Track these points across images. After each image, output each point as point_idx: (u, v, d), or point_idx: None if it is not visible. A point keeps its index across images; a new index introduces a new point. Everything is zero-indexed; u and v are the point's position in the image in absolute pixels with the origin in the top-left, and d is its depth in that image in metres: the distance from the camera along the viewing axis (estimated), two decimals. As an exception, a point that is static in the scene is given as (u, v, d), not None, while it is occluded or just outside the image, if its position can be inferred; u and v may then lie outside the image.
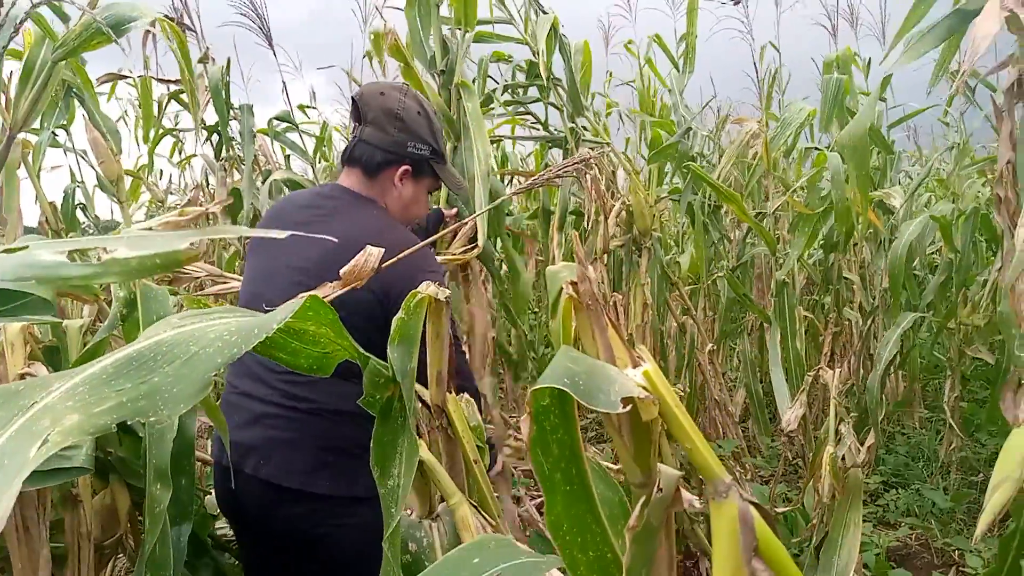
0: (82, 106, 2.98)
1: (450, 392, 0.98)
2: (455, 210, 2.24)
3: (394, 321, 0.89)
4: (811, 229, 3.37)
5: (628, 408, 0.55)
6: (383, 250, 1.13)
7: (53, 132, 3.09)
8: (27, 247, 0.56)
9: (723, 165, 3.15)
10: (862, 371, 4.48)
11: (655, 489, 0.63)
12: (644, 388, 0.57)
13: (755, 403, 4.06)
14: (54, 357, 1.33)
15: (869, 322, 4.25)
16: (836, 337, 4.36)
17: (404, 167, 1.69)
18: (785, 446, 3.65)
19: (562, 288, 0.58)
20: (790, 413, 2.23)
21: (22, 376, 1.11)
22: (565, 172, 1.11)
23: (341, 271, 1.14)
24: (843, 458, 2.26)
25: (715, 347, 3.89)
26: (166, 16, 3.05)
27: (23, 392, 0.51)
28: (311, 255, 1.55)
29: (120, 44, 1.00)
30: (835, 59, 3.50)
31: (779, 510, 2.78)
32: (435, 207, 2.29)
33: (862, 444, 2.36)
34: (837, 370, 2.30)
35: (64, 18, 2.02)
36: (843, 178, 2.89)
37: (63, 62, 1.10)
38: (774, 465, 4.08)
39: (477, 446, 1.00)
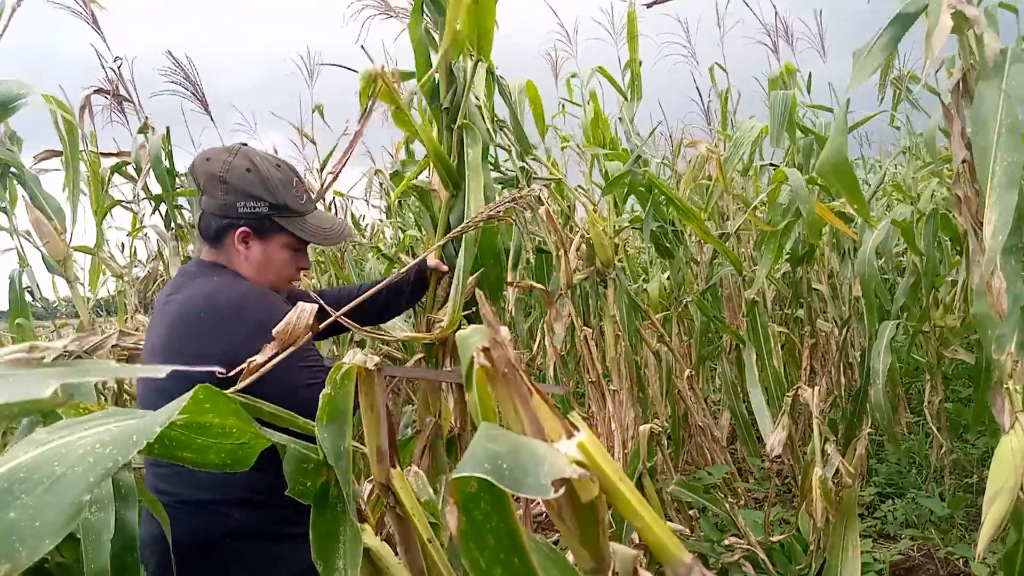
0: (22, 187, 2.89)
1: (394, 467, 0.89)
2: (445, 267, 1.98)
3: (321, 397, 0.81)
4: (776, 244, 3.34)
5: (562, 491, 0.47)
6: (315, 307, 1.08)
7: (-8, 215, 2.99)
8: None
9: (683, 190, 3.11)
10: (843, 380, 4.43)
11: (610, 574, 0.55)
12: (580, 463, 0.49)
13: (741, 425, 3.98)
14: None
15: (844, 331, 4.22)
16: (813, 350, 4.32)
17: (241, 229, 1.59)
18: (775, 466, 3.57)
19: (472, 357, 0.50)
20: (774, 438, 2.16)
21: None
22: (496, 212, 1.04)
23: (274, 331, 1.08)
24: (834, 478, 2.19)
25: (694, 372, 3.82)
26: (99, 88, 2.98)
27: None
28: (157, 336, 1.51)
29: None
30: (779, 75, 3.50)
31: (775, 538, 2.69)
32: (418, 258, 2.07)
33: (849, 455, 2.29)
34: (816, 388, 2.24)
35: None
36: (806, 191, 2.87)
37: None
38: (767, 487, 3.99)
39: (431, 523, 0.91)
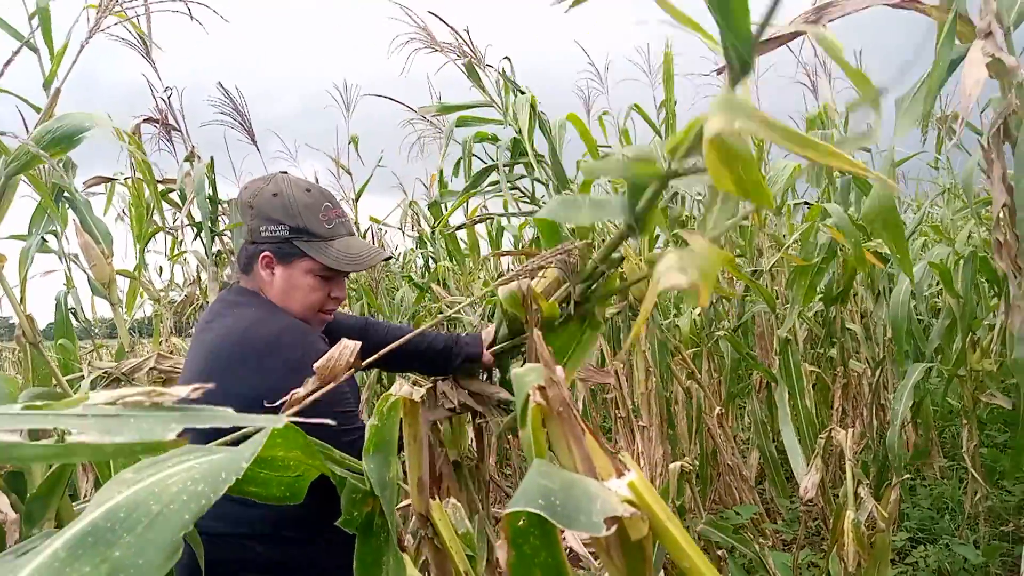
0: (74, 211, 2.99)
1: (434, 498, 0.91)
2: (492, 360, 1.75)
3: (368, 428, 0.84)
4: (808, 282, 3.32)
5: (614, 529, 0.48)
6: (358, 344, 1.07)
7: (43, 238, 3.09)
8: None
9: (711, 226, 3.12)
10: (876, 423, 4.37)
11: (654, 612, 0.56)
12: (630, 503, 0.50)
13: (770, 464, 3.94)
14: (18, 483, 1.25)
15: (878, 373, 4.17)
16: (845, 390, 4.27)
17: (264, 254, 1.60)
18: (803, 510, 3.52)
19: (528, 395, 0.52)
20: (807, 480, 2.14)
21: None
22: (547, 262, 1.06)
23: (315, 366, 1.07)
24: (866, 522, 2.16)
25: (723, 410, 3.80)
26: (149, 118, 3.08)
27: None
28: (195, 366, 1.51)
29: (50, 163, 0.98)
30: (818, 115, 3.52)
31: (805, 581, 2.65)
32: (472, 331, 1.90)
33: (884, 500, 2.26)
34: (850, 430, 2.22)
35: (38, 110, 2.05)
36: (853, 227, 2.90)
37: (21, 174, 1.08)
38: (795, 528, 3.93)
39: (467, 555, 0.93)
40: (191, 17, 2.19)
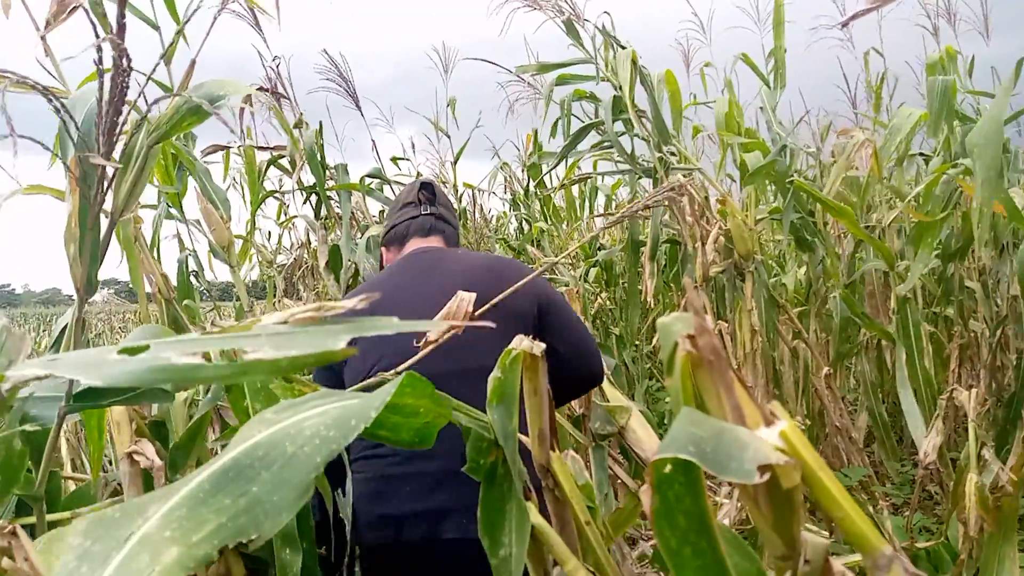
0: (194, 178, 3.14)
1: (553, 450, 0.93)
2: None
3: (490, 380, 0.86)
4: (934, 238, 3.16)
5: (767, 476, 0.48)
6: (474, 295, 1.09)
7: (167, 204, 3.26)
8: (147, 346, 0.54)
9: (833, 180, 2.98)
10: (994, 384, 4.14)
11: (801, 561, 0.56)
12: (782, 451, 0.50)
13: (879, 426, 3.81)
14: (161, 432, 1.34)
15: (998, 333, 3.93)
16: (962, 351, 4.06)
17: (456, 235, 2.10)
18: (921, 474, 3.39)
19: (677, 343, 0.52)
20: (927, 443, 2.06)
21: (130, 455, 1.11)
22: (655, 202, 1.05)
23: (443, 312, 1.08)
24: (990, 486, 2.06)
25: (831, 370, 3.68)
26: (261, 87, 3.18)
27: (120, 520, 0.48)
28: (450, 284, 1.70)
29: (224, 118, 1.02)
30: (939, 60, 3.30)
31: (920, 545, 2.57)
32: None
33: (1018, 463, 2.14)
34: (974, 391, 2.12)
35: (168, 90, 2.14)
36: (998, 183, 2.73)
37: (158, 144, 1.13)
38: (906, 492, 3.79)
39: (588, 506, 0.94)
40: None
